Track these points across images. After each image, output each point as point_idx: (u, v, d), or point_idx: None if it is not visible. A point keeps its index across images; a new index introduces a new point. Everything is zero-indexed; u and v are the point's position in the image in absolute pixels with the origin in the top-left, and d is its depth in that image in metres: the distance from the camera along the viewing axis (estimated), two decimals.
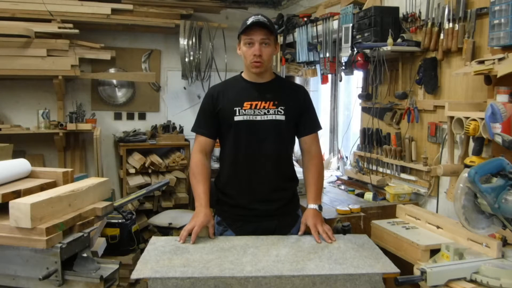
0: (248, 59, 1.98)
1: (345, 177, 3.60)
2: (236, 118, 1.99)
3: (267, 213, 2.04)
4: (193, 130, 2.13)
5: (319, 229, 1.93)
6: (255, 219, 2.04)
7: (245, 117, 1.99)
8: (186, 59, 4.58)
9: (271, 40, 1.98)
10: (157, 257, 1.68)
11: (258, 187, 2.03)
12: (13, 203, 1.54)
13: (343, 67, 3.36)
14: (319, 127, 2.16)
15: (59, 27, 4.03)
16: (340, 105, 4.05)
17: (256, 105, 2.00)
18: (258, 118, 1.99)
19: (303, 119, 2.09)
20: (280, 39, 4.33)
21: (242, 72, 2.12)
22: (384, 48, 2.75)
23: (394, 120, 3.05)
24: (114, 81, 4.71)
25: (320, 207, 2.04)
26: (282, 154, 2.09)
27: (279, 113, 2.00)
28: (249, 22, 1.94)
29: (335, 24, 3.42)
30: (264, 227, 2.02)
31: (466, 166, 1.96)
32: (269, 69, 2.07)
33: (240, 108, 1.99)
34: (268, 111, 2.00)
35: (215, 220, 2.12)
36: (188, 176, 4.61)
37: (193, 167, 2.06)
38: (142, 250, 2.10)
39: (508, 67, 1.93)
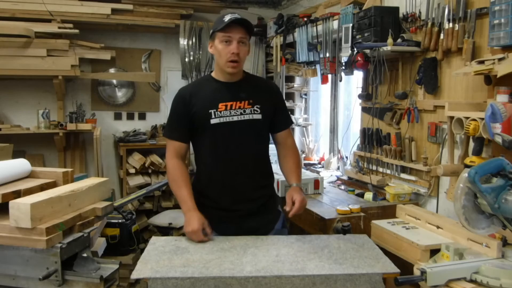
0: (224, 57, 1.91)
1: (345, 177, 3.60)
2: (213, 121, 1.95)
3: (250, 212, 2.03)
4: (165, 135, 2.08)
5: (298, 204, 1.93)
6: (238, 219, 2.02)
7: (222, 119, 1.95)
8: (186, 59, 4.58)
9: (247, 40, 1.96)
10: (157, 257, 1.68)
11: (239, 187, 2.01)
12: (13, 203, 1.54)
13: (343, 67, 3.36)
14: (292, 122, 2.20)
15: (59, 27, 4.03)
16: (340, 105, 4.05)
17: (232, 105, 1.96)
18: (235, 118, 1.96)
19: (277, 115, 2.09)
20: (280, 39, 4.33)
21: (211, 72, 2.09)
22: (384, 48, 2.75)
23: (394, 120, 3.05)
24: (114, 81, 4.71)
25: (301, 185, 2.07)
26: (261, 152, 2.10)
27: (255, 112, 1.98)
28: (226, 19, 1.89)
29: (335, 24, 3.42)
30: (248, 225, 2.01)
31: (466, 166, 1.96)
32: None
33: (215, 110, 1.95)
34: (244, 111, 1.97)
35: None
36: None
37: (171, 172, 2.02)
38: (142, 250, 2.10)
39: (508, 67, 1.93)
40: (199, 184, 2.10)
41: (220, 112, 1.95)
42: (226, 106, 1.97)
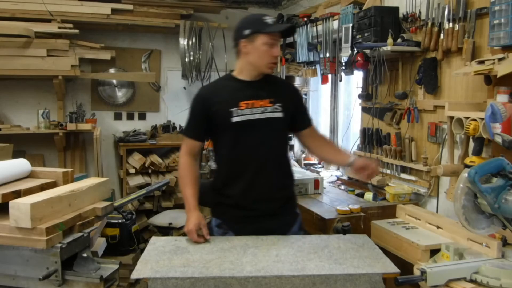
0: (266, 59, 1.94)
1: (345, 177, 3.60)
2: (234, 119, 1.95)
3: (269, 212, 2.03)
4: (182, 132, 2.11)
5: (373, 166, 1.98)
6: (256, 219, 2.02)
7: (243, 117, 1.96)
8: (186, 59, 4.58)
9: None
10: (157, 257, 1.68)
11: (259, 187, 2.01)
12: (13, 203, 1.54)
13: (343, 67, 3.36)
14: (312, 120, 2.20)
15: (59, 27, 4.03)
16: (340, 105, 4.04)
17: (253, 104, 1.97)
18: (257, 116, 1.96)
19: (299, 114, 2.09)
20: (280, 39, 4.32)
21: (231, 71, 2.10)
22: (384, 48, 2.75)
23: (394, 120, 3.05)
24: (114, 81, 4.71)
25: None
26: (282, 151, 2.09)
27: (276, 110, 1.99)
28: (269, 21, 1.92)
29: (335, 24, 3.42)
30: (266, 226, 2.00)
31: (466, 166, 1.96)
32: None
33: (236, 108, 1.96)
34: (266, 109, 1.98)
35: (214, 223, 2.10)
36: None
37: (180, 169, 2.05)
38: (142, 250, 2.10)
39: (508, 67, 1.93)
40: (218, 183, 2.10)
41: (242, 110, 1.96)
42: (247, 104, 1.96)
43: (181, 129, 2.16)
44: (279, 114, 1.99)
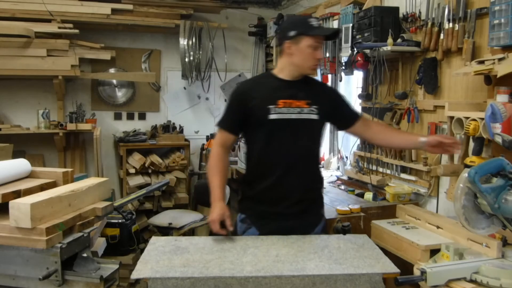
0: (310, 62, 1.97)
1: (345, 177, 3.60)
2: (271, 117, 1.96)
3: (293, 212, 2.03)
4: (217, 124, 2.13)
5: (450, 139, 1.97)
6: (280, 217, 2.02)
7: (280, 115, 1.96)
8: (186, 59, 4.58)
9: None
10: (157, 257, 1.68)
11: (287, 186, 2.01)
12: (13, 203, 1.54)
13: (343, 67, 3.36)
14: (360, 114, 2.20)
15: (59, 27, 4.03)
16: None
17: (291, 103, 1.98)
18: (293, 116, 1.97)
19: (342, 111, 2.11)
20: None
21: (271, 69, 2.11)
22: (384, 48, 2.75)
23: (394, 120, 3.05)
24: (114, 81, 4.71)
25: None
26: (314, 154, 2.10)
27: (312, 112, 2.00)
28: (315, 24, 1.95)
29: (335, 24, 3.42)
30: (289, 225, 2.00)
31: (466, 166, 1.96)
32: None
33: (274, 106, 1.97)
34: (302, 110, 1.99)
35: (238, 217, 2.12)
36: (188, 176, 4.64)
37: (211, 159, 2.08)
38: (142, 250, 2.10)
39: (508, 67, 1.93)
40: (248, 177, 2.13)
41: (279, 108, 1.97)
42: (285, 103, 1.98)
43: (217, 122, 2.16)
44: (315, 117, 2.00)
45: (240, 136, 2.14)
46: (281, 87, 2.02)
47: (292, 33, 1.95)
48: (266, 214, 2.04)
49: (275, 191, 2.02)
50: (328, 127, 2.21)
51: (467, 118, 2.11)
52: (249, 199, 2.10)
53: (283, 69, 2.04)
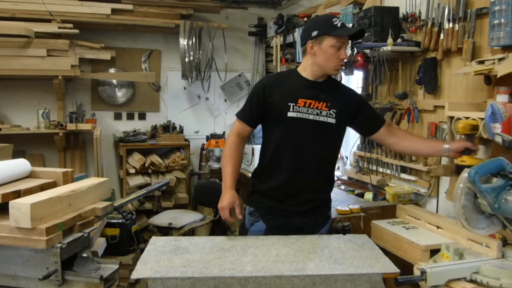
0: (334, 62, 1.95)
1: (345, 177, 3.60)
2: (290, 114, 1.97)
3: (301, 210, 2.04)
4: (237, 114, 2.12)
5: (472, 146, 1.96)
6: (287, 214, 2.04)
7: (299, 114, 1.97)
8: (186, 59, 4.58)
9: None
10: (157, 257, 1.68)
11: (298, 185, 2.02)
12: (13, 203, 1.54)
13: (343, 67, 3.35)
14: (384, 121, 2.16)
15: (59, 27, 4.03)
16: None
17: (310, 103, 1.98)
18: (311, 117, 1.98)
19: (367, 117, 2.10)
20: (280, 39, 4.33)
21: (296, 67, 2.11)
22: (384, 48, 2.75)
23: (394, 120, 3.05)
24: (114, 81, 4.71)
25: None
26: (328, 156, 2.09)
27: (330, 115, 1.99)
28: (338, 24, 1.92)
29: None
30: (295, 223, 2.02)
31: (458, 166, 1.95)
32: None
33: (294, 104, 1.97)
34: (321, 112, 1.99)
35: (247, 211, 2.13)
36: (188, 176, 4.64)
37: (226, 147, 2.08)
38: (142, 250, 2.10)
39: (508, 67, 1.93)
40: (260, 171, 2.13)
41: (299, 107, 1.97)
42: (305, 103, 1.98)
43: (237, 112, 2.15)
44: (332, 120, 2.00)
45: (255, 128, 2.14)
46: (304, 85, 2.02)
47: (314, 33, 1.95)
48: (274, 209, 2.05)
49: (285, 189, 2.03)
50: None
51: (467, 118, 2.11)
52: (259, 193, 2.11)
53: (306, 68, 2.04)
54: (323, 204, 2.14)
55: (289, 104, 1.97)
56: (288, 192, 2.03)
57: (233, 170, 2.01)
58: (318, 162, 2.04)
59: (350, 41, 2.03)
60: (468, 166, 1.75)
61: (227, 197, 1.94)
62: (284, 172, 2.02)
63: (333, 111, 2.00)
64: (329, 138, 2.03)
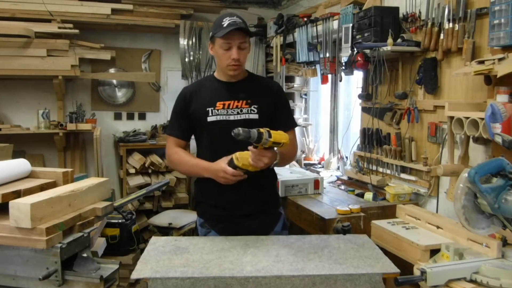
0: (225, 62, 1.94)
1: (345, 177, 3.60)
2: (209, 119, 1.96)
3: (249, 213, 2.03)
4: (166, 132, 2.11)
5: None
6: (236, 219, 2.02)
7: (218, 117, 1.97)
8: (186, 59, 4.58)
9: (248, 42, 1.97)
10: (157, 257, 1.68)
11: (238, 187, 1.94)
12: (13, 203, 1.54)
13: (343, 67, 3.36)
14: (295, 124, 2.14)
15: (59, 27, 4.03)
16: (340, 105, 4.04)
17: (229, 104, 1.98)
18: (232, 118, 1.97)
19: (278, 116, 2.06)
20: (280, 39, 4.33)
21: (214, 71, 2.11)
22: (384, 48, 2.75)
23: (394, 120, 3.05)
24: (114, 81, 4.71)
25: (277, 162, 1.92)
26: None
27: (252, 112, 1.98)
28: (225, 24, 1.89)
29: (335, 24, 3.42)
30: (246, 227, 2.00)
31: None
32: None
33: (212, 108, 1.97)
34: (241, 110, 1.98)
35: (198, 222, 2.11)
36: (188, 176, 4.63)
37: (175, 158, 2.02)
38: (142, 250, 2.10)
39: (508, 67, 1.93)
40: (199, 183, 2.11)
41: (218, 110, 1.97)
42: (224, 105, 1.98)
43: (165, 130, 2.13)
44: (254, 116, 1.98)
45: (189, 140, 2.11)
46: (221, 88, 2.02)
47: (210, 35, 1.98)
48: (222, 217, 2.04)
49: (226, 195, 1.98)
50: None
51: (467, 118, 2.11)
52: (204, 204, 2.09)
53: (219, 71, 2.06)
54: (270, 202, 2.12)
55: (208, 109, 1.97)
56: (230, 198, 1.99)
57: (199, 159, 1.98)
58: None
59: (246, 39, 1.94)
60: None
61: (218, 164, 1.86)
62: None
63: (254, 107, 1.98)
64: None
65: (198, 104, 2.01)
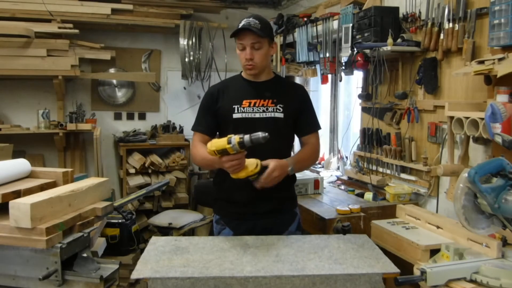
0: (242, 62, 2.02)
1: (345, 177, 3.60)
2: (235, 116, 2.01)
3: (265, 211, 2.04)
4: (192, 128, 2.15)
5: (272, 174, 1.84)
6: (252, 217, 2.04)
7: (244, 115, 2.01)
8: (186, 59, 4.58)
9: (263, 43, 1.98)
10: (157, 257, 1.68)
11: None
12: (13, 203, 1.54)
13: (343, 67, 3.36)
14: (319, 127, 2.17)
15: (59, 27, 4.03)
16: (340, 105, 4.05)
17: (255, 103, 2.02)
18: (257, 115, 2.01)
19: (302, 118, 2.10)
20: (280, 39, 4.33)
21: (242, 71, 2.14)
22: (384, 48, 2.75)
23: (394, 120, 3.05)
24: (114, 81, 4.71)
25: (292, 169, 1.98)
26: (281, 151, 2.08)
27: (277, 110, 2.02)
28: (240, 25, 1.95)
29: (335, 24, 3.42)
30: (262, 225, 2.02)
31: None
32: (267, 69, 2.08)
33: (239, 105, 2.01)
34: (267, 109, 2.02)
35: (214, 218, 2.14)
36: (188, 176, 4.64)
37: (198, 154, 2.02)
38: (142, 250, 2.10)
39: (508, 67, 1.93)
40: (218, 178, 2.14)
41: (244, 108, 2.01)
42: (250, 103, 2.02)
43: (192, 126, 2.15)
44: (280, 115, 2.02)
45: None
46: (247, 87, 2.07)
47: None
48: (239, 215, 2.06)
49: (245, 191, 1.98)
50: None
51: (467, 118, 2.11)
52: (221, 200, 2.12)
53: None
54: (287, 201, 2.13)
55: (234, 106, 2.01)
56: (248, 194, 1.99)
57: None
58: (272, 158, 1.97)
59: (255, 40, 1.95)
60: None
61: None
62: None
63: (280, 106, 2.02)
64: (279, 132, 2.02)
65: (225, 101, 2.05)
